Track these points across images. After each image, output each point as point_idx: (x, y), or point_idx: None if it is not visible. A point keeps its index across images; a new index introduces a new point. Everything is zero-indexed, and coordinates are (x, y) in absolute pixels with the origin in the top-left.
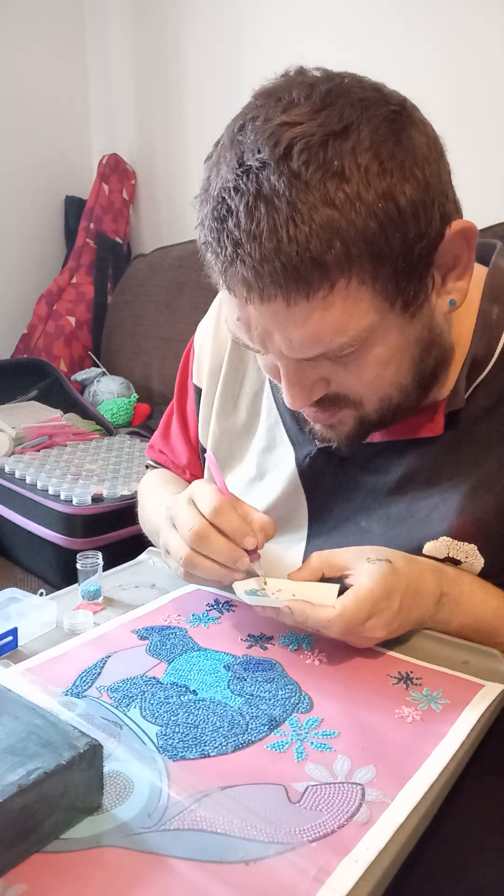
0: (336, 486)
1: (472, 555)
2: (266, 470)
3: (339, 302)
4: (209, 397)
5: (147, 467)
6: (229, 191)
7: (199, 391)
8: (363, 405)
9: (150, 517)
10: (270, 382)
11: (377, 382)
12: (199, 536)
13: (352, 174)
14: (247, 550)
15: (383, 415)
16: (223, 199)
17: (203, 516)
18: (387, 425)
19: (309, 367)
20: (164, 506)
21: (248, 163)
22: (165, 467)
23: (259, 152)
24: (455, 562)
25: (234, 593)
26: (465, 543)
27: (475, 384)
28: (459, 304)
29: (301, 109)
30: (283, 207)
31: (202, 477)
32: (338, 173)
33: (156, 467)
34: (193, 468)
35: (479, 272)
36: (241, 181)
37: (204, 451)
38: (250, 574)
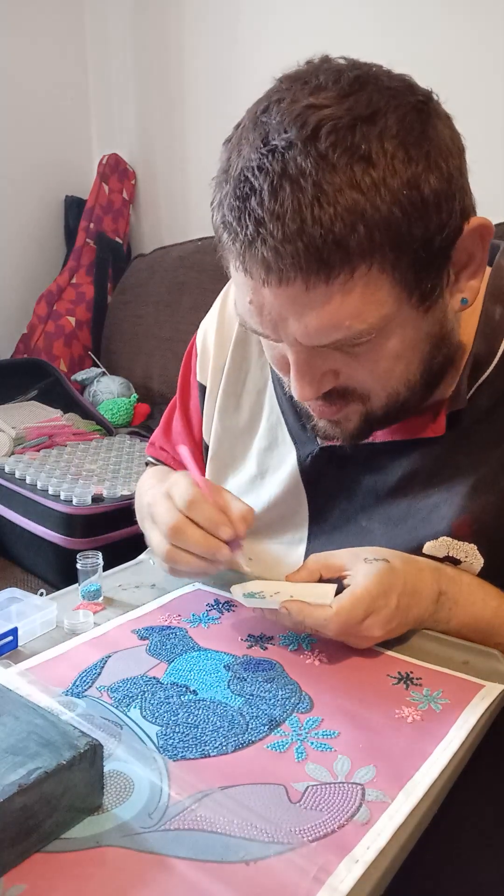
0: (337, 485)
1: (471, 555)
2: (267, 469)
3: (359, 288)
4: (213, 395)
5: (147, 464)
6: (253, 170)
7: (203, 388)
8: (371, 400)
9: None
10: (274, 379)
11: (387, 376)
12: (175, 531)
13: (378, 160)
14: (228, 541)
15: (389, 411)
16: (246, 177)
17: (179, 510)
18: (391, 423)
19: (320, 357)
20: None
21: (274, 142)
22: (166, 464)
23: (285, 132)
24: (455, 561)
25: (233, 594)
26: (465, 543)
27: (477, 384)
28: (471, 303)
29: (329, 93)
30: (309, 188)
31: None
32: (364, 157)
33: (156, 464)
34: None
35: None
36: (265, 160)
37: (208, 448)
38: (234, 565)
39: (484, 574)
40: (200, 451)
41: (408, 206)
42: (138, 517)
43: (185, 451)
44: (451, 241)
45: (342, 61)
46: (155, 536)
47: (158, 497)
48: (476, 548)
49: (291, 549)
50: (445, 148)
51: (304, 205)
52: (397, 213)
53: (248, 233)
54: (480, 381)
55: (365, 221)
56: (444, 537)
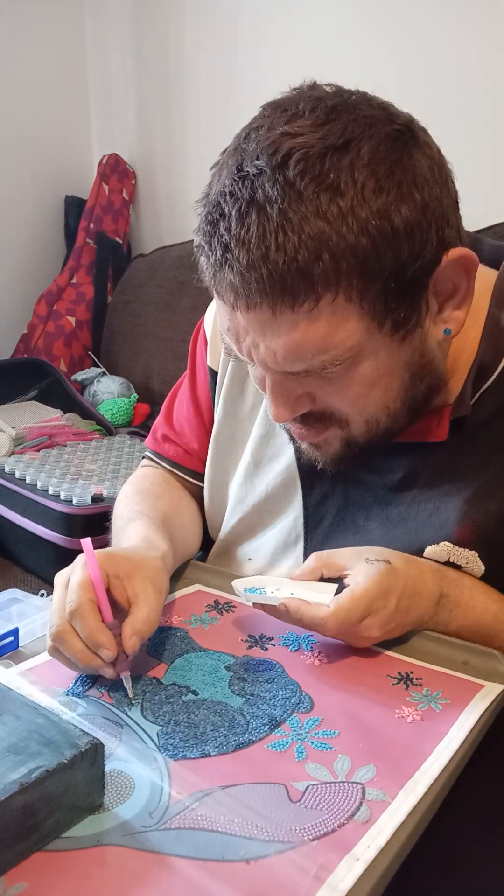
0: (335, 481)
1: (472, 561)
2: (262, 458)
3: (325, 316)
4: (223, 379)
5: (144, 458)
6: (225, 195)
7: (214, 374)
8: (349, 425)
9: (112, 529)
10: None
11: (362, 402)
12: (57, 637)
13: (347, 189)
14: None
15: (370, 438)
16: (218, 203)
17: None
18: (374, 448)
19: (294, 380)
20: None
21: (246, 169)
22: (161, 457)
23: (257, 159)
24: (455, 567)
25: (234, 592)
26: (466, 550)
27: (481, 391)
28: (455, 334)
29: (304, 121)
30: (274, 215)
31: (205, 462)
32: (332, 187)
33: (152, 460)
34: (204, 454)
35: (489, 276)
36: (237, 187)
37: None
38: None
39: (485, 581)
40: (209, 436)
41: (376, 236)
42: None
43: (87, 543)
44: (426, 271)
45: (327, 88)
46: (50, 619)
47: (60, 581)
48: (477, 554)
49: (288, 543)
50: (422, 177)
51: (268, 232)
52: (365, 243)
53: (217, 257)
54: (485, 387)
55: (330, 250)
56: (446, 543)
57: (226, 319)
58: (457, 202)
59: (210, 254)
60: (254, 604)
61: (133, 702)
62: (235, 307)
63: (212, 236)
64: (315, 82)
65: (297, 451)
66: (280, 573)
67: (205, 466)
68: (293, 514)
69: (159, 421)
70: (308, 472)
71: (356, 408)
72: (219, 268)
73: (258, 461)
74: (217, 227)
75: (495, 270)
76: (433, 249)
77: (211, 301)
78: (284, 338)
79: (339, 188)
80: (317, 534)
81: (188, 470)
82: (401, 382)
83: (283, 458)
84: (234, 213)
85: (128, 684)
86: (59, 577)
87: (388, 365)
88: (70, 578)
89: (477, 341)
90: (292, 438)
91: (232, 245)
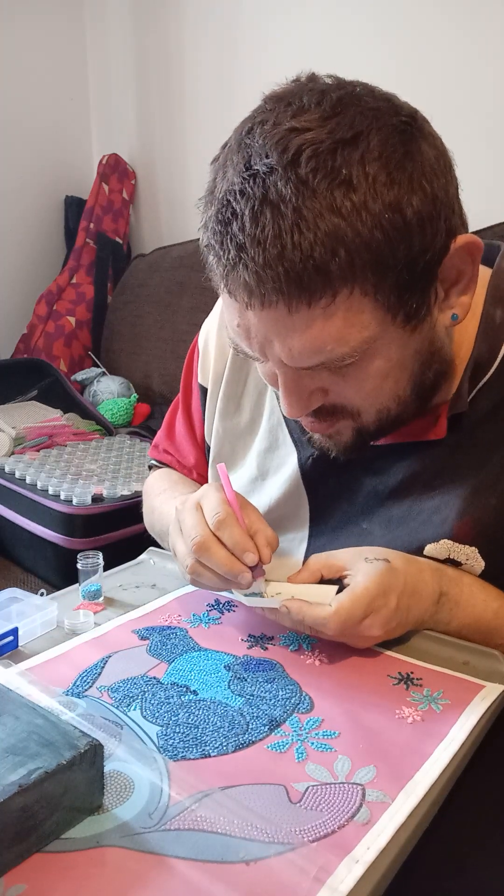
0: (338, 487)
1: (472, 557)
2: (268, 470)
3: (341, 312)
4: (214, 397)
5: (150, 468)
6: (235, 194)
7: (204, 391)
8: (361, 416)
9: (159, 518)
10: None
11: (375, 394)
12: (202, 548)
13: (359, 183)
14: (252, 567)
15: (381, 426)
16: (228, 202)
17: (207, 527)
18: (385, 435)
19: (307, 376)
20: (174, 508)
21: (256, 167)
22: (170, 467)
23: (267, 157)
24: (455, 564)
25: (233, 594)
26: (466, 546)
27: (478, 387)
28: (461, 319)
29: (311, 115)
30: (289, 214)
31: (208, 476)
32: (345, 182)
33: (160, 467)
34: (200, 468)
35: (484, 274)
36: (247, 185)
37: (210, 450)
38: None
39: (485, 577)
40: (203, 452)
41: (390, 230)
42: (146, 521)
43: (222, 467)
44: (436, 261)
45: (328, 80)
46: (180, 546)
47: (188, 507)
48: (477, 551)
49: (292, 549)
50: (430, 168)
51: (284, 230)
52: (379, 237)
53: (231, 257)
54: (481, 383)
55: (346, 246)
56: (445, 540)
57: (235, 317)
58: (457, 189)
59: (222, 253)
60: (254, 607)
61: (266, 584)
62: (249, 306)
63: (224, 236)
64: (313, 73)
65: (312, 441)
66: (283, 577)
67: (203, 479)
68: (298, 520)
69: (160, 435)
70: (311, 480)
71: (368, 400)
72: (232, 267)
73: (264, 473)
74: (229, 227)
75: (489, 268)
76: (442, 239)
77: (211, 302)
78: (300, 334)
79: (351, 183)
80: (321, 538)
81: (189, 482)
82: (411, 372)
83: (288, 469)
84: (247, 212)
85: (263, 588)
86: (188, 503)
87: (400, 355)
88: (202, 500)
89: (473, 338)
90: (304, 430)
91: (247, 244)
